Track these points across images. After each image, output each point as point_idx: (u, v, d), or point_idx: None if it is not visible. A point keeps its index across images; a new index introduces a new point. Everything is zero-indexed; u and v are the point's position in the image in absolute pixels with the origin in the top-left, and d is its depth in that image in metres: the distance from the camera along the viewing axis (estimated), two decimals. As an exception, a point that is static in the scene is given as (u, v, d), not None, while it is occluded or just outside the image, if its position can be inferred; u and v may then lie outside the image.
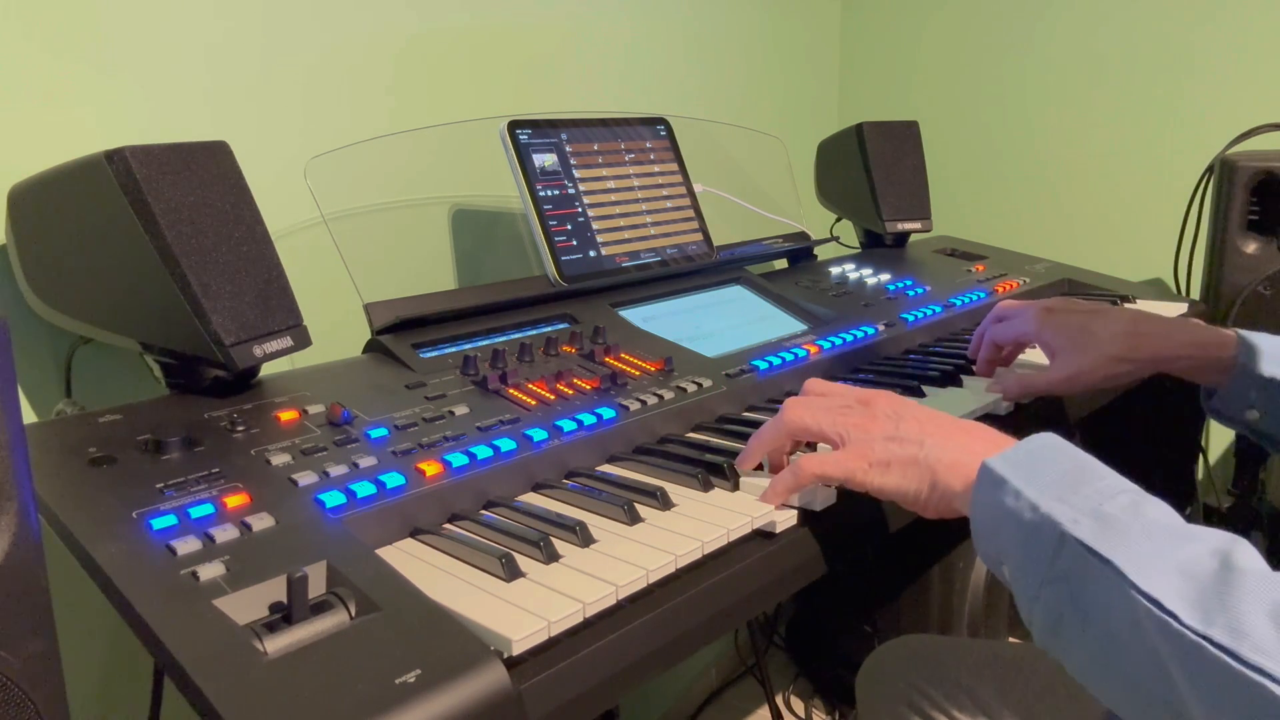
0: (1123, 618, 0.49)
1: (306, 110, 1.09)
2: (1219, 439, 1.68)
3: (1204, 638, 0.45)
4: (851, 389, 0.74)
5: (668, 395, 0.88)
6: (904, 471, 0.65)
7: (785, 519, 0.69)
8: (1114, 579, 0.50)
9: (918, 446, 0.65)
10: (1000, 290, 1.39)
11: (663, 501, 0.69)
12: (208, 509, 0.60)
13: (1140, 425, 1.43)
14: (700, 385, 0.91)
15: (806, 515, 0.70)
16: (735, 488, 0.73)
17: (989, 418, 0.91)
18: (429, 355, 0.90)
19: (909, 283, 1.35)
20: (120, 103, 0.93)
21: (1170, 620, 0.47)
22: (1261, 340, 0.85)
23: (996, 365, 1.00)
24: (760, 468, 0.76)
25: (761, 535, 0.68)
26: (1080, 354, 0.89)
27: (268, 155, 0.98)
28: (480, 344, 0.94)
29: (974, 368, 1.01)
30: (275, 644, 0.49)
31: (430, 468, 0.69)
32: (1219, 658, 0.44)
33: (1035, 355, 1.05)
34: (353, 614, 0.53)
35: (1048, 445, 0.60)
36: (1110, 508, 0.53)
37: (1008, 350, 1.01)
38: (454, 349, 0.92)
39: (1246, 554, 0.48)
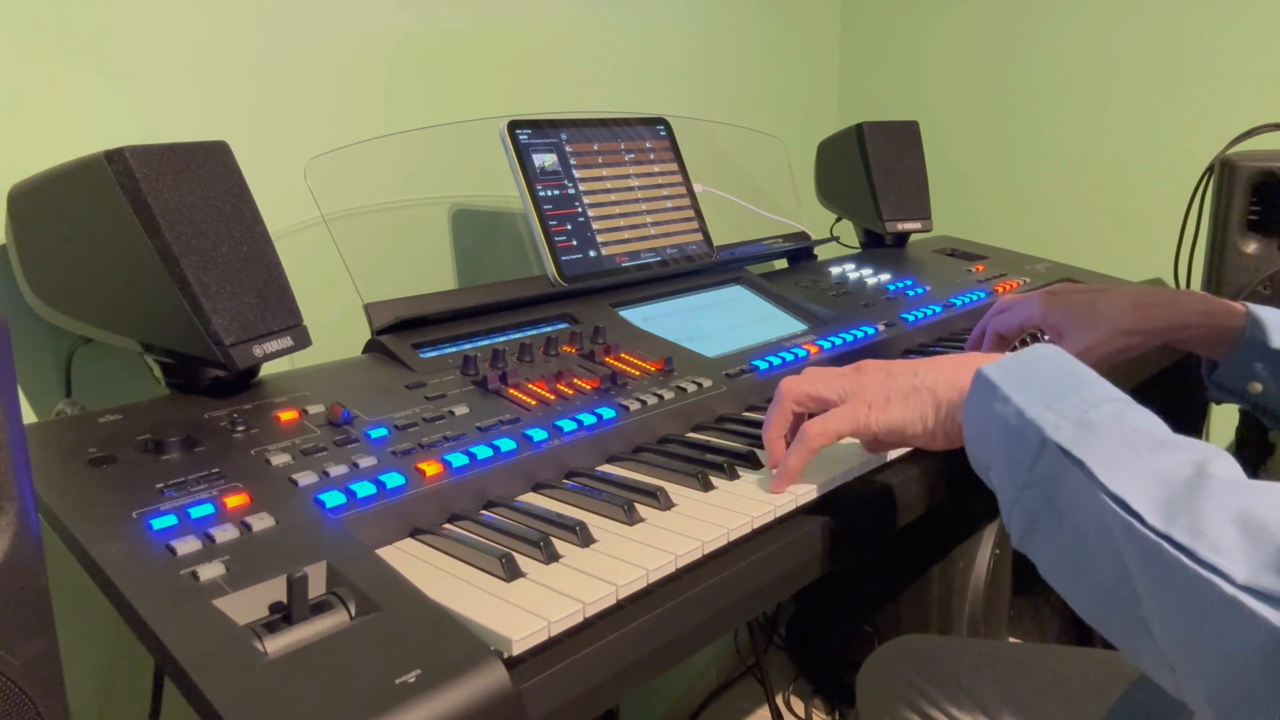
0: (1091, 519, 0.50)
1: (302, 110, 1.09)
2: (1219, 437, 1.68)
3: (1164, 537, 0.45)
4: (835, 372, 0.75)
5: (668, 395, 0.88)
6: (905, 400, 0.67)
7: (787, 511, 0.69)
8: (1085, 481, 0.50)
9: (913, 376, 0.68)
10: (1000, 290, 1.39)
11: (663, 501, 0.69)
12: (208, 509, 0.60)
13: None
14: (700, 385, 0.91)
15: (806, 512, 0.70)
16: (733, 477, 0.73)
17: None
18: (429, 355, 0.90)
19: (909, 283, 1.35)
20: (118, 103, 0.93)
21: (1134, 521, 0.47)
22: (1271, 314, 0.84)
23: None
24: (760, 465, 0.76)
25: (762, 534, 0.68)
26: (1089, 329, 0.89)
27: (264, 155, 0.98)
28: (480, 344, 0.94)
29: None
30: (275, 644, 0.49)
31: (430, 468, 0.69)
32: (1176, 557, 0.45)
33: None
34: (353, 614, 0.53)
35: (1043, 355, 0.61)
36: (1094, 415, 0.53)
37: (1009, 342, 1.01)
38: (454, 349, 0.92)
39: (1223, 463, 0.49)
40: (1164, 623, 0.46)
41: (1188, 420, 1.52)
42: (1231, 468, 0.48)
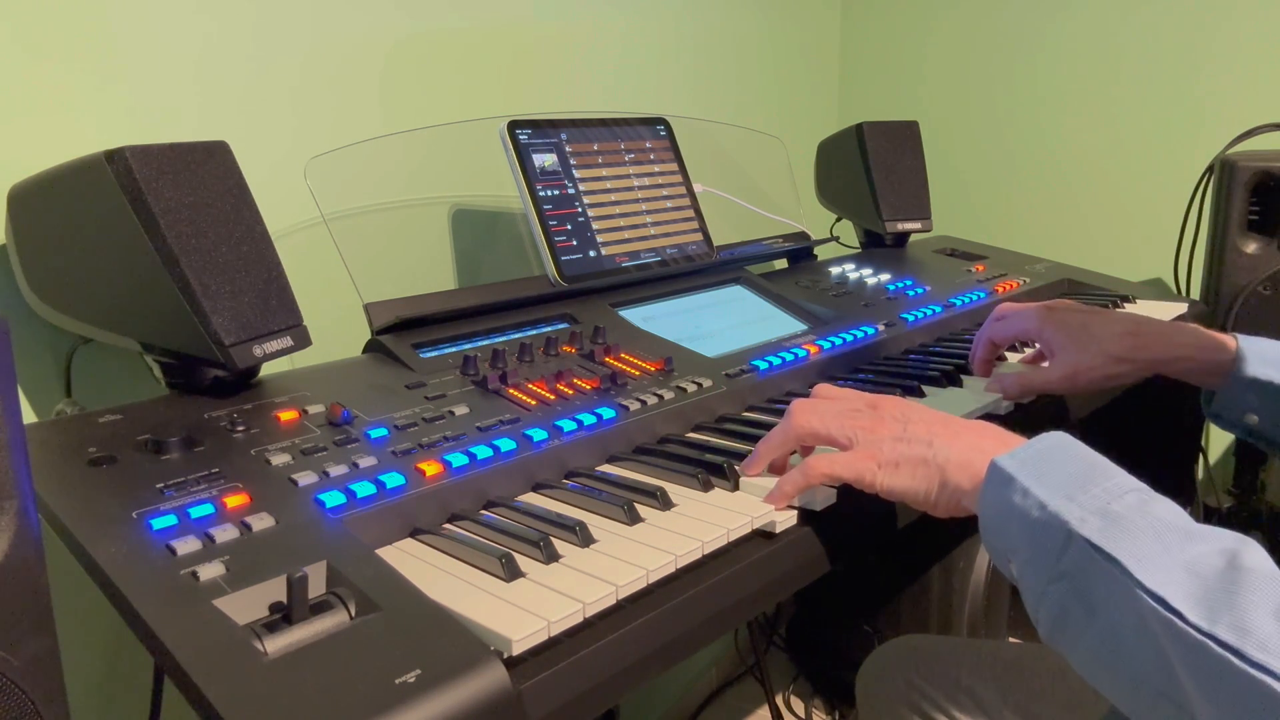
0: (1128, 615, 0.50)
1: (302, 110, 1.09)
2: (1219, 439, 1.68)
3: (1209, 636, 0.45)
4: (859, 393, 0.74)
5: (668, 395, 0.88)
6: (913, 471, 0.66)
7: (785, 519, 0.69)
8: (1120, 577, 0.50)
9: (926, 446, 0.66)
10: (1000, 290, 1.39)
11: (663, 501, 0.69)
12: (208, 509, 0.60)
13: (1140, 425, 1.43)
14: (700, 385, 0.91)
15: (807, 515, 0.70)
16: (735, 488, 0.73)
17: (989, 417, 0.91)
18: (429, 355, 0.90)
19: (909, 283, 1.35)
20: (118, 103, 0.93)
21: (1175, 619, 0.47)
22: (1258, 344, 0.85)
23: (989, 364, 1.01)
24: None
25: (761, 535, 0.68)
26: (1080, 352, 0.89)
27: (264, 155, 0.98)
28: (480, 344, 0.94)
29: (971, 366, 1.01)
30: (275, 644, 0.49)
31: (430, 468, 0.69)
32: (1223, 656, 0.44)
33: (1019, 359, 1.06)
34: (353, 614, 0.53)
35: (1057, 444, 0.60)
36: (1118, 506, 0.53)
37: (1001, 349, 1.01)
38: (454, 349, 0.92)
39: (1254, 554, 0.49)
40: (1212, 716, 0.46)
41: (1187, 426, 1.52)
42: (1262, 558, 0.49)
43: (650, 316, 1.10)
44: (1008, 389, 0.92)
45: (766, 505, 0.69)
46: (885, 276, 1.37)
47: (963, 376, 0.99)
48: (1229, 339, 0.87)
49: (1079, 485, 0.55)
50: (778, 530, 0.68)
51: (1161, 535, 0.51)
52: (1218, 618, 0.45)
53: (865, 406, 0.71)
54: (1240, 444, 1.55)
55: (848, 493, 0.72)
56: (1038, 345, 1.00)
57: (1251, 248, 1.38)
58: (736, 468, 0.74)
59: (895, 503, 0.77)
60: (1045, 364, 0.96)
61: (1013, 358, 1.07)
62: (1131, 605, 0.49)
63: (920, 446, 0.66)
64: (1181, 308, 1.35)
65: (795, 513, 0.70)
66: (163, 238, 0.72)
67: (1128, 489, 0.55)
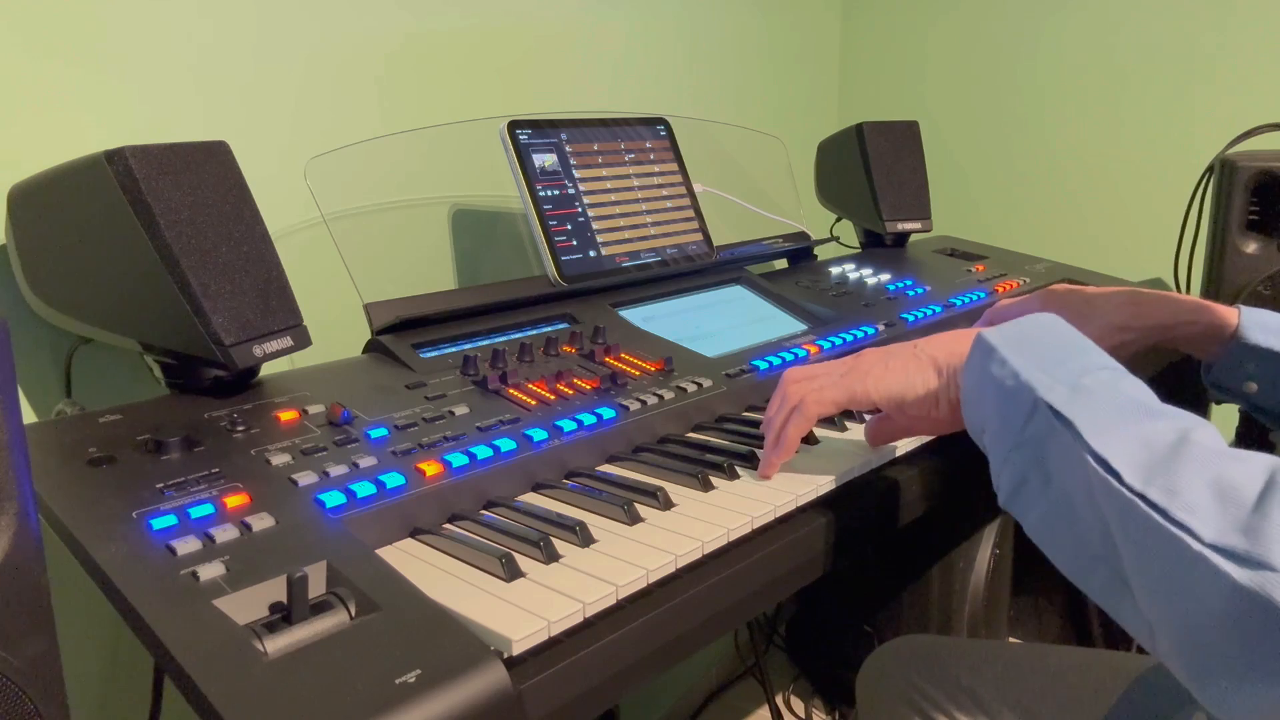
0: (1078, 479, 0.52)
1: (302, 110, 1.09)
2: (1221, 425, 1.67)
3: (1139, 495, 0.47)
4: (837, 360, 0.76)
5: (668, 395, 0.88)
6: (904, 369, 0.68)
7: (787, 511, 0.69)
8: (1072, 440, 0.52)
9: (913, 348, 0.69)
10: (1000, 290, 1.39)
11: (663, 501, 0.69)
12: (208, 509, 0.60)
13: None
14: (700, 385, 0.91)
15: (807, 514, 0.70)
16: (733, 477, 0.74)
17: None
18: (429, 355, 0.90)
19: (909, 283, 1.35)
20: (118, 103, 0.93)
21: (1112, 479, 0.49)
22: (1259, 313, 0.85)
23: None
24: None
25: (762, 534, 0.68)
26: (1084, 324, 0.89)
27: (264, 155, 0.98)
28: (480, 344, 0.94)
29: None
30: (275, 644, 0.49)
31: (430, 468, 0.69)
32: (1149, 514, 0.46)
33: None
34: (353, 614, 0.53)
35: (1043, 323, 0.62)
36: (1088, 380, 0.55)
37: (1001, 305, 1.02)
38: (454, 349, 0.92)
39: (1205, 431, 0.50)
40: (1140, 580, 0.48)
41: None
42: (1214, 437, 0.50)
43: (650, 316, 1.10)
44: None
45: (767, 505, 0.69)
46: (885, 276, 1.37)
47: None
48: (1231, 308, 0.87)
49: (1056, 360, 0.57)
50: (786, 515, 0.69)
51: (1122, 408, 0.53)
52: (1152, 480, 0.47)
53: (850, 357, 0.74)
54: (1241, 430, 1.55)
55: (849, 489, 0.72)
56: None
57: (1251, 248, 1.38)
58: (756, 473, 0.75)
59: (895, 501, 0.77)
60: None
61: None
62: (1080, 468, 0.51)
63: (906, 349, 0.69)
64: (1181, 308, 1.35)
65: (797, 504, 0.70)
66: (163, 238, 0.72)
67: (1103, 366, 0.57)
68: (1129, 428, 0.51)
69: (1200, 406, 1.53)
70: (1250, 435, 1.52)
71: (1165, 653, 0.48)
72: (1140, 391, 0.55)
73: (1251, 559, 0.42)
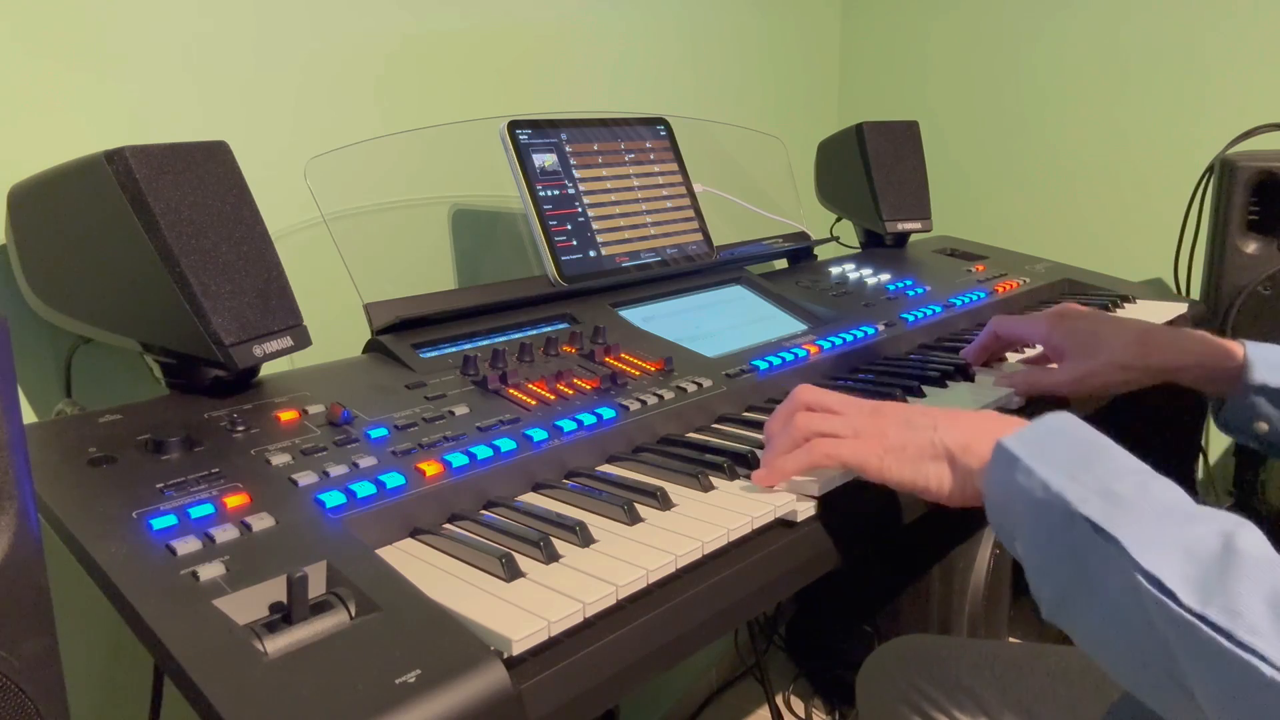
0: (1126, 594, 0.51)
1: (302, 110, 1.09)
2: (1219, 439, 1.67)
3: (1200, 617, 0.46)
4: (859, 400, 0.74)
5: (668, 395, 0.88)
6: (920, 459, 0.66)
7: (787, 514, 0.69)
8: (1118, 556, 0.51)
9: (932, 431, 0.66)
10: (1000, 290, 1.39)
11: (663, 501, 0.69)
12: (208, 509, 0.60)
13: (1140, 425, 1.43)
14: (700, 385, 0.91)
15: (808, 513, 0.70)
16: (733, 477, 0.73)
17: (994, 414, 0.91)
18: (429, 355, 0.90)
19: (909, 283, 1.35)
20: (118, 103, 0.93)
21: (1168, 600, 0.48)
22: (1266, 349, 0.85)
23: (986, 353, 1.01)
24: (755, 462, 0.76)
25: (762, 534, 0.68)
26: (1089, 358, 0.90)
27: (264, 155, 0.98)
28: (480, 344, 0.94)
29: (962, 351, 1.02)
30: (275, 644, 0.49)
31: (430, 468, 0.69)
32: (1213, 638, 0.46)
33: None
34: (353, 614, 0.53)
35: (1061, 425, 0.61)
36: (1119, 487, 0.54)
37: (1003, 344, 1.02)
38: (454, 349, 0.92)
39: (1251, 537, 0.49)
40: (1205, 693, 0.47)
41: (1187, 426, 1.52)
42: (1259, 542, 0.49)
43: (650, 316, 1.10)
44: (1016, 386, 0.93)
45: (766, 505, 0.69)
46: (885, 276, 1.37)
47: (962, 378, 0.99)
48: (1237, 346, 0.87)
49: (1082, 465, 0.56)
50: (799, 519, 0.69)
51: (1160, 516, 0.52)
52: (1210, 600, 0.47)
53: (869, 409, 0.71)
54: (1240, 444, 1.55)
55: (847, 490, 0.72)
56: (1039, 348, 1.00)
57: (1251, 248, 1.38)
58: (752, 477, 0.73)
59: (895, 501, 0.77)
60: (1053, 366, 0.96)
61: (1013, 358, 1.07)
62: (1129, 584, 0.50)
63: (926, 432, 0.67)
64: (1181, 308, 1.35)
65: (796, 510, 0.70)
66: (163, 238, 0.72)
67: (1129, 470, 0.56)
68: (1171, 538, 0.50)
69: (1200, 427, 1.54)
70: (1249, 455, 1.52)
71: None
72: (1172, 494, 0.55)
73: None
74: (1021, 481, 0.58)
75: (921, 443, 0.66)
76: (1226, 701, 0.46)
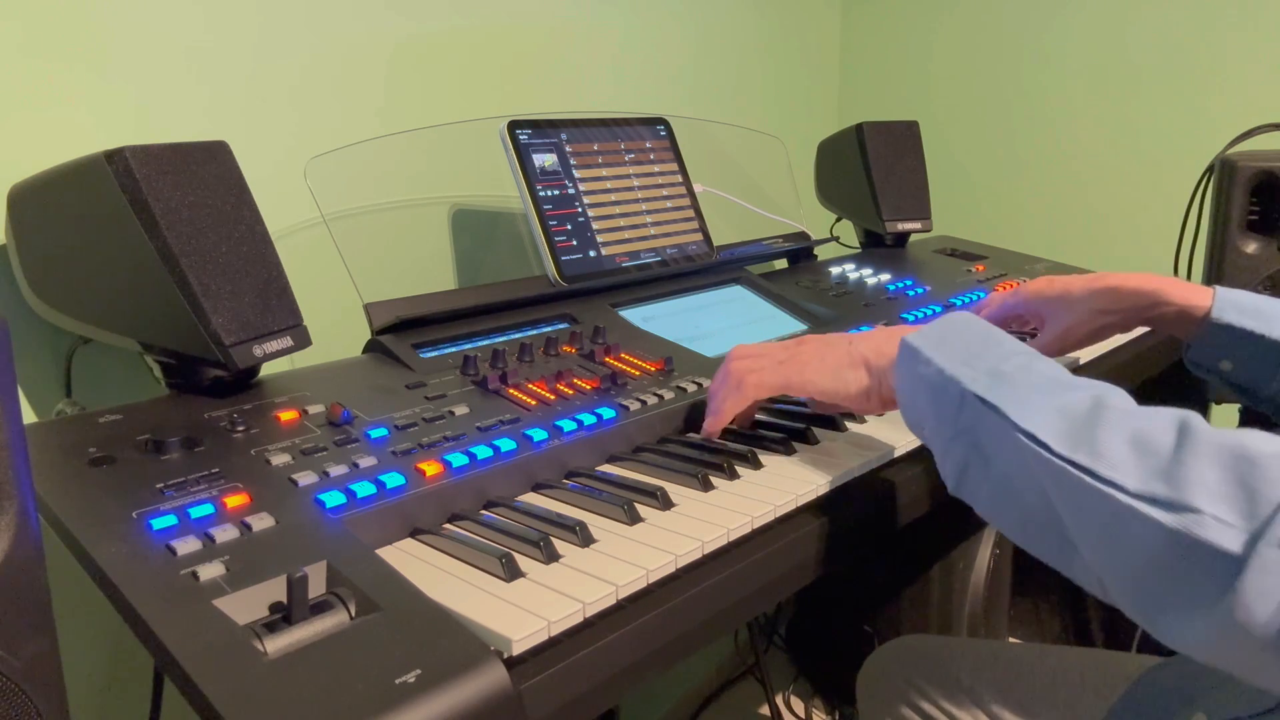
0: (1012, 456, 0.56)
1: (302, 110, 1.09)
2: (1221, 424, 1.67)
3: (1068, 461, 0.51)
4: (781, 342, 0.82)
5: (668, 395, 0.88)
6: (839, 365, 0.75)
7: (787, 514, 0.69)
8: (1001, 423, 0.56)
9: (848, 345, 0.76)
10: (1000, 290, 1.38)
11: (663, 501, 0.69)
12: (208, 509, 0.60)
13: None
14: (700, 385, 0.91)
15: (807, 514, 0.70)
16: (733, 477, 0.74)
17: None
18: (429, 355, 0.90)
19: (909, 283, 1.35)
20: (118, 103, 0.93)
21: (1042, 450, 0.53)
22: (1234, 293, 0.87)
23: None
24: (760, 465, 0.76)
25: (762, 534, 0.68)
26: (1067, 313, 0.96)
27: (264, 155, 0.98)
28: (480, 344, 0.94)
29: None
30: (275, 644, 0.49)
31: (430, 468, 0.69)
32: (1080, 477, 0.50)
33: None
34: (353, 614, 0.53)
35: (958, 321, 0.67)
36: (1005, 367, 0.60)
37: (986, 312, 1.04)
38: (454, 349, 0.92)
39: (1118, 397, 0.54)
40: (1082, 537, 0.52)
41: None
42: (1125, 399, 0.54)
43: (650, 316, 1.10)
44: None
45: (766, 505, 0.69)
46: (885, 276, 1.37)
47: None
48: (1207, 289, 0.88)
49: (975, 354, 0.63)
50: (798, 518, 0.70)
51: (1039, 386, 0.57)
52: (1078, 446, 0.51)
53: (792, 342, 0.80)
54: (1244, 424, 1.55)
55: (847, 489, 0.72)
56: (1030, 327, 1.03)
57: (1251, 248, 1.38)
58: (703, 432, 0.81)
59: (895, 501, 0.77)
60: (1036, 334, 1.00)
61: None
62: (1013, 446, 0.55)
63: (842, 345, 0.76)
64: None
65: (797, 504, 0.70)
66: (163, 238, 0.72)
67: (1016, 352, 0.62)
68: (1049, 402, 0.55)
69: (1201, 405, 1.54)
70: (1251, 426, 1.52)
71: (1116, 599, 0.52)
72: (1054, 369, 0.60)
73: (1174, 503, 0.46)
74: (922, 371, 0.64)
75: (839, 355, 0.75)
76: (1099, 544, 0.50)
